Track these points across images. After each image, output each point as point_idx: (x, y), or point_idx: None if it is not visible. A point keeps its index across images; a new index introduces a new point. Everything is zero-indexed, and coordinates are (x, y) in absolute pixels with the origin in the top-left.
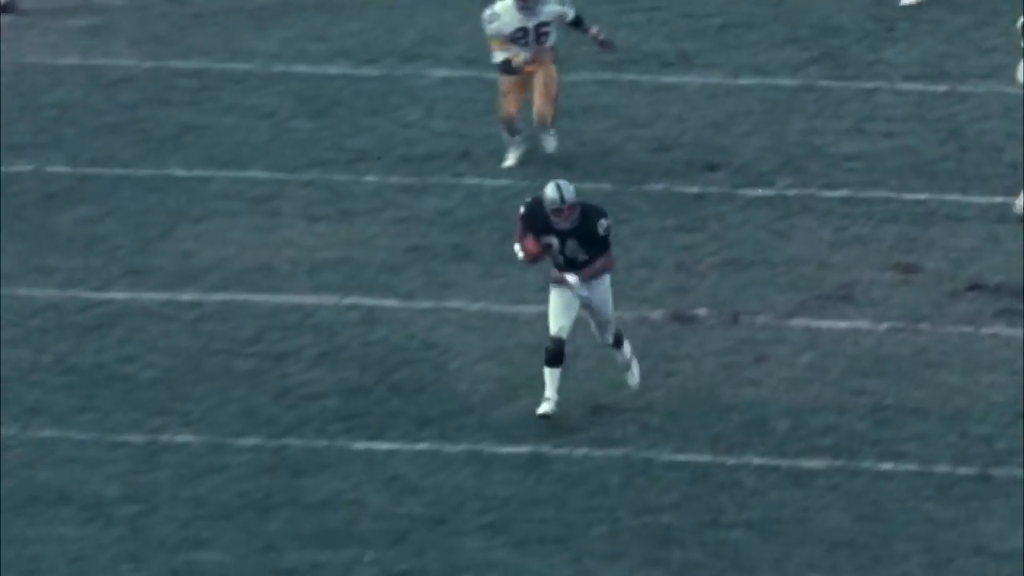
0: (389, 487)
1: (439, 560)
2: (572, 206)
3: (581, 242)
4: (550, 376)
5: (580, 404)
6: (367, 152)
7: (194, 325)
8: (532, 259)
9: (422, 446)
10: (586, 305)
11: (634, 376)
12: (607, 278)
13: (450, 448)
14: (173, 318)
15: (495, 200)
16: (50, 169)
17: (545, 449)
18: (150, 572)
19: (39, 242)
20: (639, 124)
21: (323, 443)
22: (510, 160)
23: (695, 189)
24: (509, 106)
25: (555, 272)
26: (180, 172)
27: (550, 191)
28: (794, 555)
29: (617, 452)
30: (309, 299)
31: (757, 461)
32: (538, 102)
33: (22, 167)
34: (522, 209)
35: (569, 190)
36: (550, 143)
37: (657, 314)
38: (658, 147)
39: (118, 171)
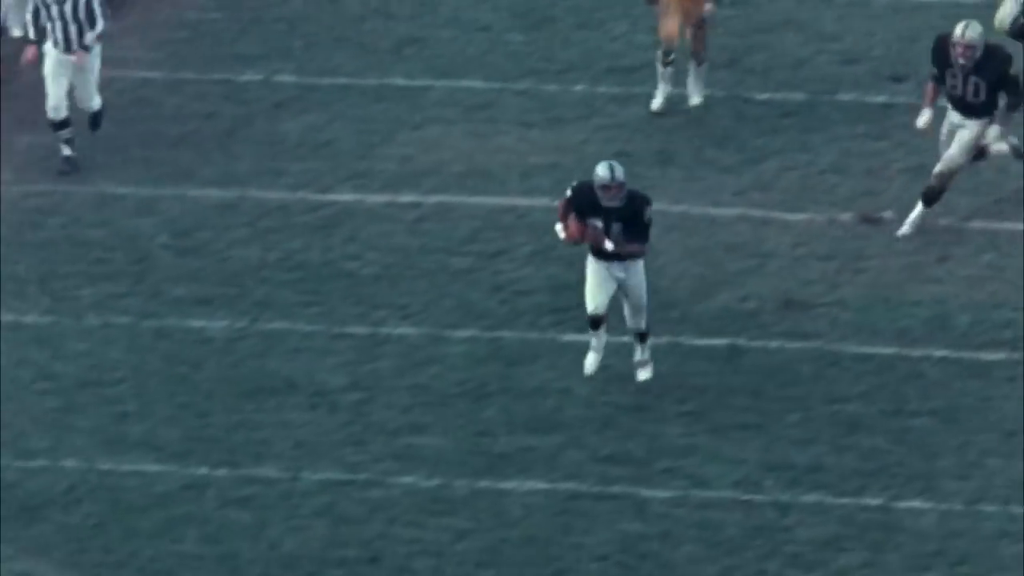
0: (595, 376)
1: (641, 445)
2: (620, 185)
3: (625, 225)
4: (596, 338)
5: (774, 300)
6: (576, 64)
7: (414, 225)
8: (572, 239)
9: (627, 338)
10: (621, 286)
11: (645, 373)
12: (642, 265)
13: (652, 340)
14: (394, 218)
15: (696, 108)
16: (279, 79)
17: (741, 342)
18: (371, 455)
19: (269, 147)
20: (830, 38)
21: (534, 335)
22: (657, 100)
23: (882, 99)
24: (668, 25)
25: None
26: (401, 81)
27: (602, 169)
28: (973, 442)
29: (809, 345)
30: (521, 201)
31: (940, 353)
32: (689, 33)
33: (252, 77)
34: (568, 192)
35: (619, 170)
36: (695, 91)
37: (847, 216)
38: (848, 59)
39: (343, 80)
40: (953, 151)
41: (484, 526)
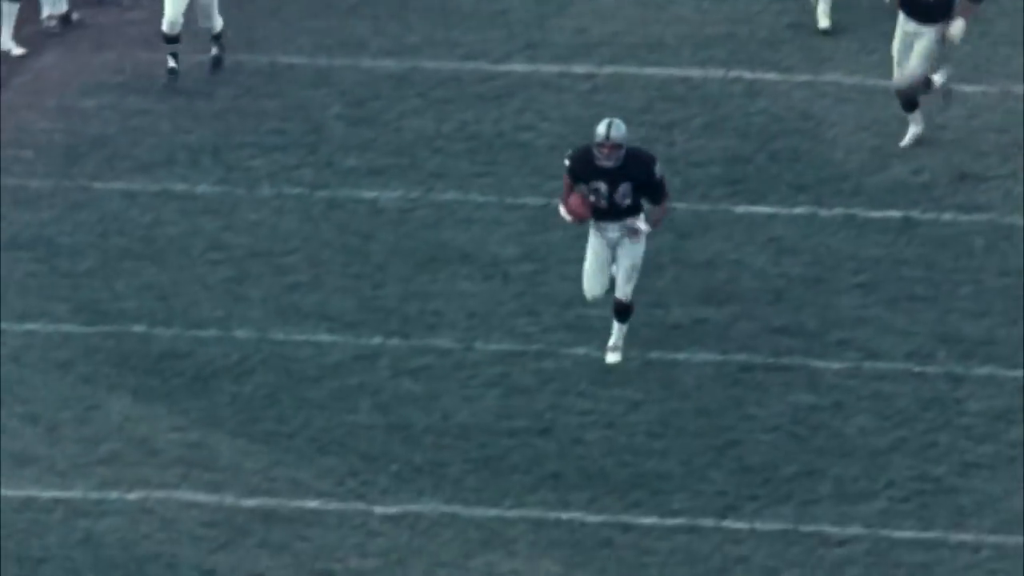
0: (768, 248)
1: (814, 317)
2: (615, 145)
3: (633, 186)
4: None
5: (947, 172)
6: None
7: (587, 96)
8: (580, 217)
9: (799, 210)
10: (615, 249)
11: (614, 356)
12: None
13: (825, 212)
14: (567, 89)
15: None
16: None
17: (915, 214)
18: (544, 326)
19: (442, 17)
20: None
21: (706, 207)
22: (823, 21)
23: None
24: None
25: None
26: None
27: (601, 127)
28: None
29: (982, 217)
30: (695, 72)
31: None
32: None
33: None
34: (567, 161)
35: (620, 129)
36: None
37: (1020, 88)
38: None
39: None
40: (913, 63)
41: (656, 397)
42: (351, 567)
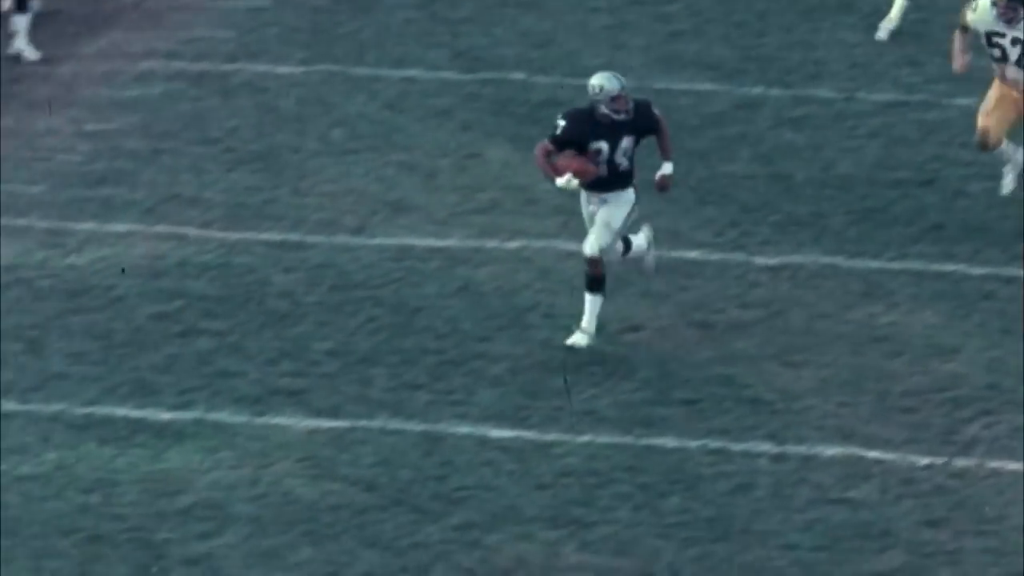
0: None
1: None
2: (627, 95)
3: (638, 137)
4: (590, 304)
5: None
6: None
7: None
8: (587, 175)
9: None
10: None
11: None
12: (631, 195)
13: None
14: None
15: None
16: None
17: None
18: (927, 76)
19: None
20: None
21: None
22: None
23: None
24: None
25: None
26: None
27: (607, 81)
28: None
29: None
30: None
31: None
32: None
33: None
34: (561, 123)
35: (623, 78)
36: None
37: None
38: None
39: None
40: None
41: None
42: (731, 317)
